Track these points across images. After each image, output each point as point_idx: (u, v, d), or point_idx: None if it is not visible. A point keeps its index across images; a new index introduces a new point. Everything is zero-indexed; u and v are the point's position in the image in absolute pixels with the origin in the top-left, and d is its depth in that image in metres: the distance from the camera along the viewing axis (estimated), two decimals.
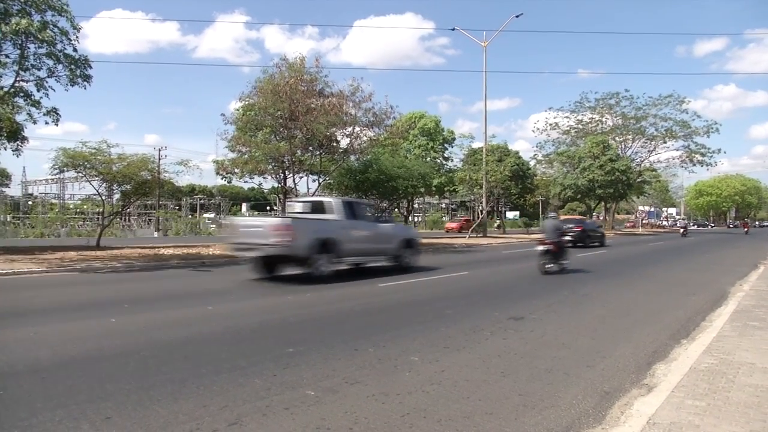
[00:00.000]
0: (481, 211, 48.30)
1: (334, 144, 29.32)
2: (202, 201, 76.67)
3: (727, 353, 6.68)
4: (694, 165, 67.24)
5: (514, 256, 24.02)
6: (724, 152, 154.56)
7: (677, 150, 68.04)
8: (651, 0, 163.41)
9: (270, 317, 9.12)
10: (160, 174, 25.33)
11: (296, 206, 16.65)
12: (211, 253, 21.66)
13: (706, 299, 11.88)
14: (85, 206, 40.37)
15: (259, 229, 14.00)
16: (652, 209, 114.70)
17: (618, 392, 5.40)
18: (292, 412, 4.61)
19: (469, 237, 40.78)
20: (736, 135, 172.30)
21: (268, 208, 65.37)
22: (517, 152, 56.07)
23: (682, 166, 69.18)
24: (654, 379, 5.82)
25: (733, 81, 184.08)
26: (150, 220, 52.11)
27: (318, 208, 15.69)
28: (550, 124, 68.93)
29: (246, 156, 28.11)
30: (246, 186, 53.55)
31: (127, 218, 48.61)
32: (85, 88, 20.61)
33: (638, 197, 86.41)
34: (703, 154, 65.56)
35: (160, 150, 46.61)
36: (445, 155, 55.71)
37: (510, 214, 65.64)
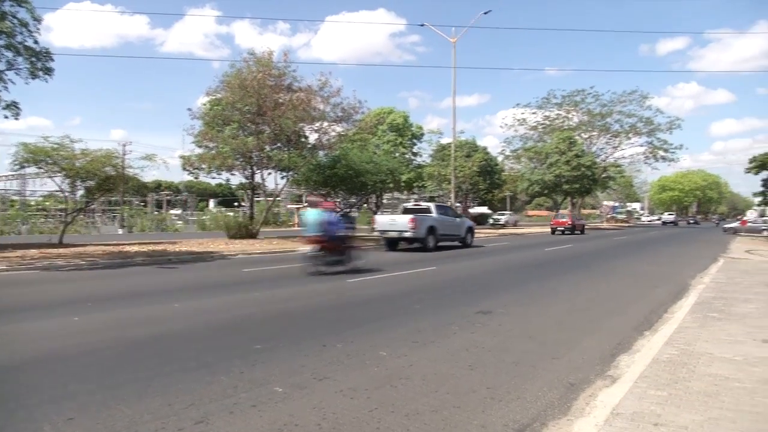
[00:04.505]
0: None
1: (303, 139, 29.18)
2: (168, 197, 75.56)
3: (687, 344, 6.85)
4: (657, 161, 68.75)
5: (481, 251, 24.21)
6: (687, 148, 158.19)
7: (641, 146, 69.49)
8: None
9: (238, 314, 9.04)
10: (124, 169, 24.84)
11: (410, 209, 25.26)
12: (177, 249, 21.37)
13: (669, 292, 12.15)
14: (47, 203, 39.47)
15: (398, 222, 23.22)
16: (617, 204, 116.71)
17: (583, 384, 5.49)
18: (260, 410, 4.58)
19: None
20: (698, 132, 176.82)
21: (236, 204, 64.73)
22: (485, 148, 56.52)
23: (646, 163, 70.65)
24: (618, 371, 5.93)
25: (694, 79, 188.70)
26: (115, 216, 51.14)
27: (424, 209, 24.85)
28: (518, 120, 69.64)
29: (213, 151, 27.81)
30: (214, 182, 52.95)
31: (91, 215, 47.65)
32: (46, 81, 20.08)
33: (603, 192, 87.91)
34: (666, 150, 67.02)
35: (125, 145, 45.74)
36: (414, 151, 55.84)
37: (478, 209, 66.05)
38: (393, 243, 23.92)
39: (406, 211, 24.84)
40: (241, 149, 27.04)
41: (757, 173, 37.77)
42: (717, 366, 5.88)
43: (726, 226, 58.33)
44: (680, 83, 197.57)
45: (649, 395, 4.90)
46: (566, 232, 44.49)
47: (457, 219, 26.51)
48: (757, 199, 52.85)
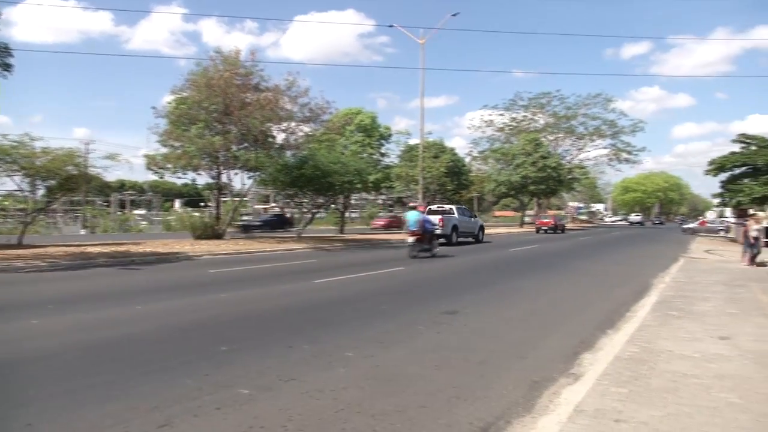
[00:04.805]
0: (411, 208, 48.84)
1: (270, 139, 28.87)
2: (132, 197, 74.26)
3: (648, 342, 7.00)
4: (621, 163, 70.20)
5: (448, 252, 24.36)
6: (649, 151, 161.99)
7: (605, 148, 70.89)
8: (583, 2, 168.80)
9: (203, 315, 8.93)
10: (87, 169, 24.29)
11: (436, 210, 29.70)
12: (141, 250, 21.00)
13: (631, 291, 12.40)
14: (6, 203, 38.36)
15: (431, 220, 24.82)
16: (582, 205, 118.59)
17: (547, 382, 5.57)
18: (225, 412, 4.54)
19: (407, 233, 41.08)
20: (660, 134, 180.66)
21: (202, 204, 63.91)
22: (453, 149, 56.96)
23: (610, 164, 72.06)
24: (581, 368, 6.04)
25: (657, 83, 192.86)
26: (77, 217, 50.02)
27: (447, 210, 29.74)
28: (486, 122, 70.41)
29: (179, 151, 27.34)
30: (179, 182, 52.21)
31: (52, 215, 46.54)
32: (5, 78, 19.58)
33: (569, 193, 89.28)
34: (629, 152, 68.54)
35: (88, 144, 44.76)
36: (382, 151, 55.96)
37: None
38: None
39: (433, 212, 28.92)
40: (207, 149, 26.66)
41: (716, 175, 38.69)
42: (676, 363, 6.03)
43: (685, 226, 59.78)
44: (643, 87, 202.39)
45: (611, 392, 5.00)
46: (549, 231, 49.74)
47: (473, 219, 32.13)
48: (716, 201, 54.27)
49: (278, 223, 39.86)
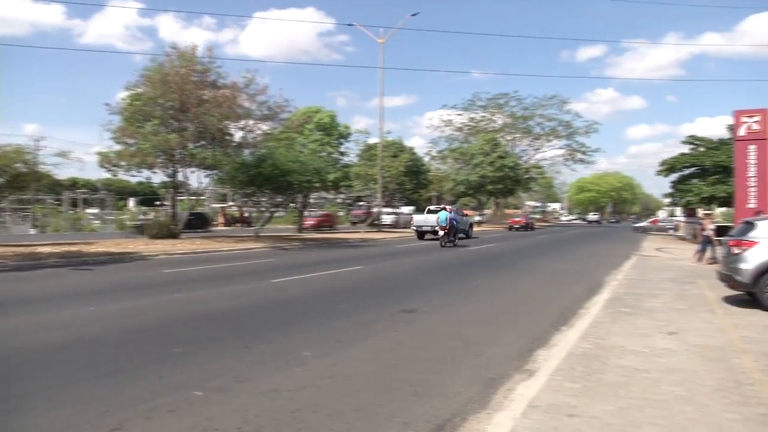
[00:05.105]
0: (370, 207, 48.99)
1: (227, 137, 28.49)
2: (84, 195, 72.28)
3: (601, 338, 7.17)
4: (576, 163, 71.73)
5: (407, 250, 24.51)
6: (603, 151, 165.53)
7: (561, 148, 72.35)
8: (540, 5, 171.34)
9: (157, 316, 8.77)
10: (37, 166, 23.58)
11: (433, 211, 33.39)
12: (94, 250, 20.47)
13: (584, 288, 12.66)
14: None
15: (431, 219, 31.19)
16: (539, 204, 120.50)
17: (502, 378, 5.65)
18: (179, 414, 4.47)
19: (365, 231, 41.13)
20: (614, 136, 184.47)
21: (157, 203, 62.64)
22: (412, 148, 57.13)
23: (565, 164, 73.56)
24: (536, 365, 6.14)
25: (611, 85, 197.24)
26: (26, 216, 48.48)
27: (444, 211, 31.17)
28: (444, 122, 71.07)
29: (133, 148, 26.71)
30: (134, 180, 51.05)
31: (0, 214, 45.04)
32: None
33: (526, 193, 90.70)
34: (584, 153, 70.14)
35: (38, 140, 43.36)
36: (341, 150, 55.77)
37: (405, 209, 66.77)
38: (422, 234, 33.17)
39: (431, 212, 33.59)
40: (162, 146, 26.12)
41: (666, 176, 39.79)
42: (627, 358, 6.19)
43: (635, 225, 61.37)
44: (598, 89, 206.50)
45: (565, 387, 5.10)
46: (521, 229, 52.61)
47: (465, 218, 36.21)
48: (667, 200, 55.85)
49: (198, 223, 38.13)
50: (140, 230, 34.17)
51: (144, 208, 51.89)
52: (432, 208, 36.25)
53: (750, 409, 4.54)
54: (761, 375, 5.53)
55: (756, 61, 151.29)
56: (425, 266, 17.80)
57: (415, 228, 34.07)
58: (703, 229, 19.70)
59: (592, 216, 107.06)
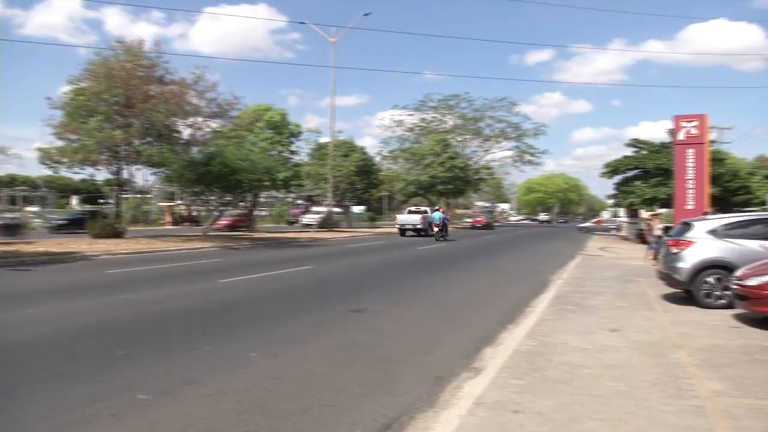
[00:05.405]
0: (325, 206, 48.71)
1: (175, 134, 27.91)
2: (24, 193, 69.69)
3: (546, 335, 7.33)
4: (524, 164, 73.17)
5: (358, 250, 24.51)
6: (551, 153, 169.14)
7: (510, 150, 73.64)
8: (491, 9, 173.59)
9: (99, 318, 8.52)
10: None
11: (413, 211, 39.64)
12: (33, 250, 19.70)
13: (531, 287, 12.91)
14: None
15: (412, 219, 37.50)
16: (488, 204, 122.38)
17: (450, 376, 5.71)
18: (120, 419, 4.36)
19: (316, 231, 40.95)
20: (561, 138, 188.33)
21: (101, 201, 60.84)
22: (363, 148, 57.06)
23: (514, 165, 74.94)
24: (482, 363, 6.24)
25: (558, 89, 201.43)
26: None
27: (423, 211, 38.11)
28: (396, 122, 71.30)
29: (76, 144, 25.88)
30: (77, 177, 49.49)
31: None
32: None
33: (476, 193, 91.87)
34: (532, 154, 71.51)
35: None
36: (292, 149, 55.31)
37: (356, 209, 66.75)
38: (404, 231, 37.98)
39: (412, 212, 39.35)
40: (106, 143, 25.39)
41: (610, 177, 40.89)
42: (570, 355, 6.34)
43: (580, 225, 63.00)
44: (546, 92, 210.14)
45: (510, 384, 5.19)
46: (482, 228, 56.95)
47: (443, 215, 38.70)
48: (611, 201, 57.44)
49: (85, 221, 35.72)
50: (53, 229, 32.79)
51: (87, 206, 50.31)
52: (412, 209, 41.64)
53: (684, 401, 4.72)
54: (696, 369, 5.75)
55: (695, 68, 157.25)
56: (377, 266, 17.86)
57: (398, 226, 38.94)
58: (650, 230, 20.34)
59: (543, 216, 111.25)
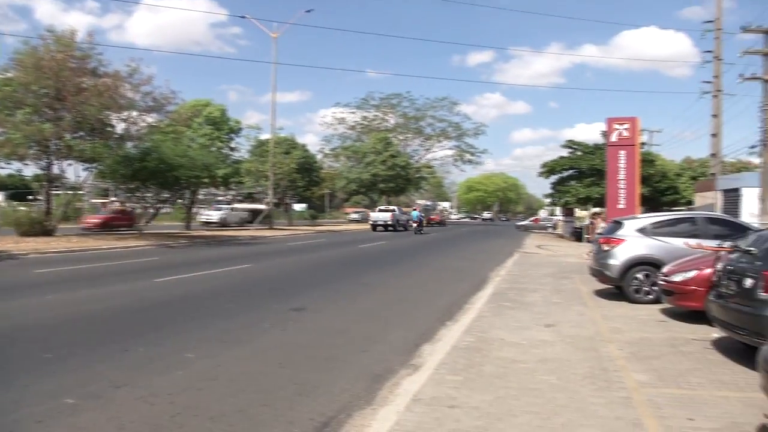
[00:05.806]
0: (267, 203, 48.14)
1: (109, 129, 26.94)
2: None
3: (483, 331, 7.46)
4: (465, 163, 74.42)
5: (298, 248, 24.33)
6: (490, 153, 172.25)
7: (450, 149, 74.74)
8: (434, 10, 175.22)
9: (25, 320, 8.15)
10: None
11: (383, 210, 46.54)
12: None
13: (470, 284, 13.11)
14: None
15: (383, 216, 44.15)
16: (429, 203, 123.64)
17: (388, 374, 5.74)
18: (47, 425, 4.18)
19: (256, 229, 40.42)
20: (500, 138, 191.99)
21: (30, 197, 58.32)
22: (305, 145, 56.76)
23: (455, 164, 76.07)
24: (421, 359, 6.29)
25: (498, 90, 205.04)
26: None
27: (392, 210, 45.38)
28: (338, 120, 71.27)
29: (2, 138, 24.68)
30: (3, 172, 47.24)
31: None
32: None
33: (417, 191, 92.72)
34: (472, 154, 72.83)
35: None
36: (232, 146, 54.48)
37: (297, 207, 66.26)
38: (375, 227, 43.29)
39: (383, 211, 46.04)
40: (35, 136, 24.26)
41: (547, 177, 42.00)
42: (506, 350, 6.48)
43: (518, 223, 64.52)
44: (486, 93, 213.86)
45: (447, 380, 5.26)
46: (436, 225, 59.34)
47: (418, 213, 45.14)
48: (548, 200, 58.96)
49: None
50: None
51: (14, 203, 48.10)
52: (382, 208, 48.87)
53: (613, 393, 4.90)
54: (625, 362, 5.97)
55: (628, 73, 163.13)
56: (318, 264, 17.77)
57: (371, 222, 44.77)
58: (594, 228, 20.98)
59: (486, 214, 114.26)
